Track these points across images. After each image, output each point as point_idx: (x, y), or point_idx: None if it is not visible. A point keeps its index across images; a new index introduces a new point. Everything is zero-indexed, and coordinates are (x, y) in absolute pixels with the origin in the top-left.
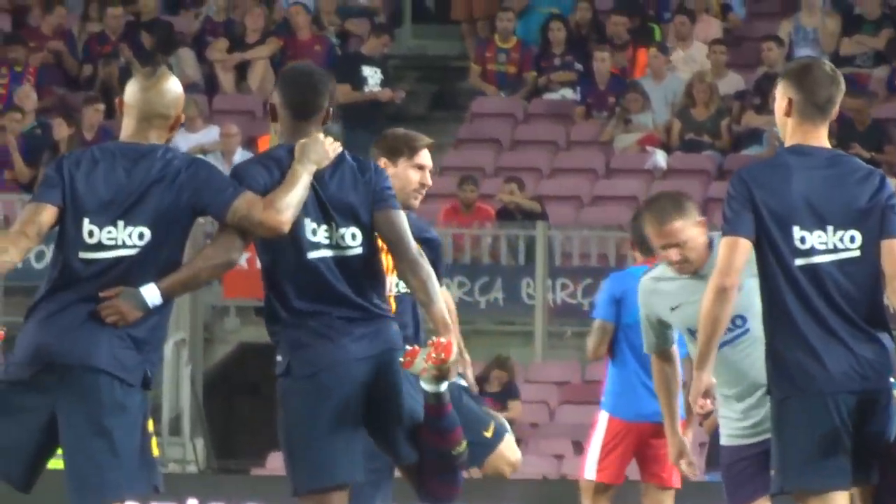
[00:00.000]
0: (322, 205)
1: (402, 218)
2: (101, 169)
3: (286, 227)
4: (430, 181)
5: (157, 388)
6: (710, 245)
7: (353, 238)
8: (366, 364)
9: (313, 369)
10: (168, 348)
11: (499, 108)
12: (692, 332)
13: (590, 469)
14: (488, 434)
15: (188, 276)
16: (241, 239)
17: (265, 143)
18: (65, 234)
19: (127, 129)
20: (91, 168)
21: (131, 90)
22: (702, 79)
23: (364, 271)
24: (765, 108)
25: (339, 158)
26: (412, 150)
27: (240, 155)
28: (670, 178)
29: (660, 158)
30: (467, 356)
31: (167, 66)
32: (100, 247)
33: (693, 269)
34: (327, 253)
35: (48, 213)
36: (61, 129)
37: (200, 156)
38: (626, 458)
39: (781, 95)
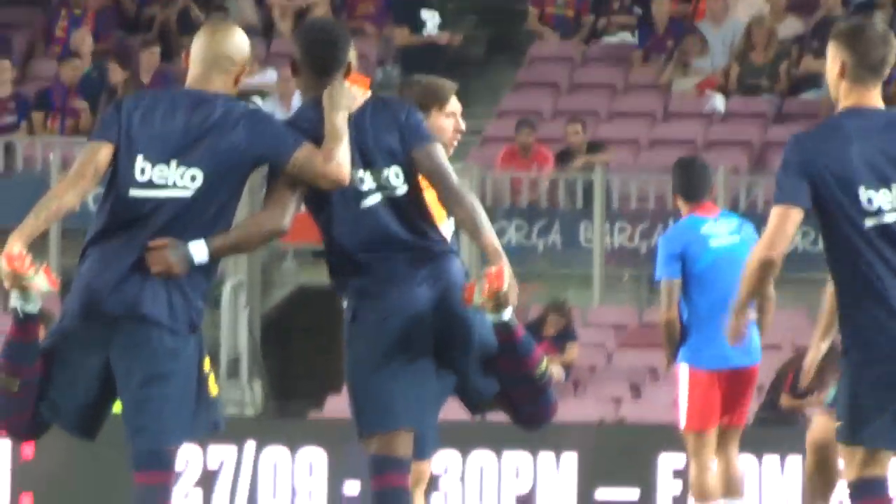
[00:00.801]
0: (361, 150)
1: (440, 151)
2: (160, 110)
3: (347, 179)
4: (462, 126)
5: (216, 332)
6: None
7: (396, 177)
8: (431, 306)
9: (379, 315)
10: (226, 291)
11: (557, 52)
12: None
13: (682, 419)
14: None
15: (238, 240)
16: (293, 204)
17: None
18: (117, 172)
19: (192, 76)
20: (150, 109)
21: (198, 38)
22: (760, 22)
23: (415, 208)
24: (823, 52)
25: (369, 101)
26: (441, 100)
27: (297, 98)
28: (728, 122)
29: (718, 102)
30: None
31: (225, 10)
32: (150, 185)
33: None
34: (377, 197)
35: (104, 152)
36: (117, 73)
37: (258, 99)
38: (714, 403)
39: (833, 58)
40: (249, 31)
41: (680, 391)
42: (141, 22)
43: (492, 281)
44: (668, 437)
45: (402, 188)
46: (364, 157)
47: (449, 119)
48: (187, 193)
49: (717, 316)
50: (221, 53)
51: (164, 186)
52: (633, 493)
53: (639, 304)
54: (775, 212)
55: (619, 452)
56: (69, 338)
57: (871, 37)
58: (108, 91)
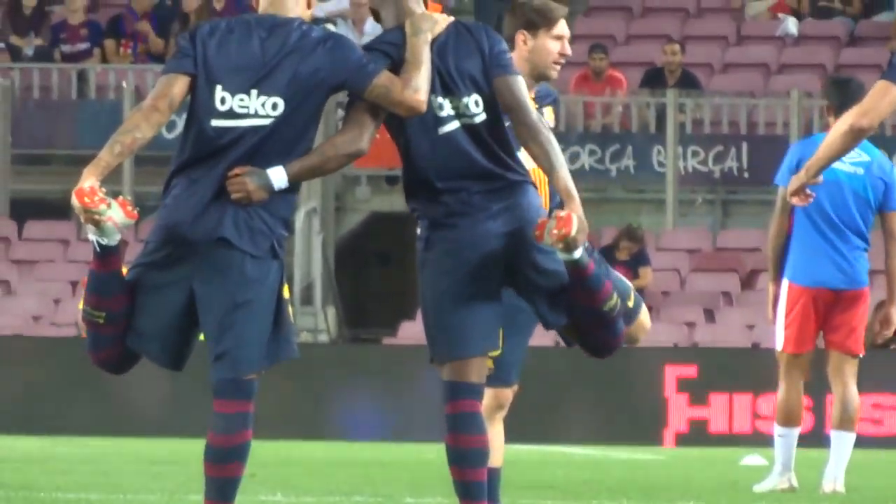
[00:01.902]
0: (442, 77)
1: (521, 83)
2: (236, 38)
3: (424, 106)
4: (569, 50)
5: (289, 258)
6: None
7: (476, 105)
8: (504, 239)
9: (452, 245)
10: (299, 217)
11: None
12: None
13: (778, 340)
14: (630, 304)
15: (317, 163)
16: (372, 127)
17: None
18: (196, 102)
19: (263, 2)
20: (225, 37)
21: None
22: None
23: (494, 137)
24: None
25: (452, 27)
26: (550, 22)
27: (370, 24)
28: (802, 44)
29: (791, 25)
30: None
31: None
32: (231, 114)
33: None
34: (455, 124)
35: (180, 84)
36: (191, 1)
37: (331, 25)
38: (810, 325)
39: None
40: None
41: (779, 308)
42: None
43: (561, 225)
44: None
45: (480, 116)
46: (444, 83)
47: (556, 42)
48: (268, 122)
49: (823, 236)
50: None
51: (246, 116)
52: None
53: (712, 227)
54: (877, 85)
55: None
56: (154, 267)
57: None
58: (181, 18)
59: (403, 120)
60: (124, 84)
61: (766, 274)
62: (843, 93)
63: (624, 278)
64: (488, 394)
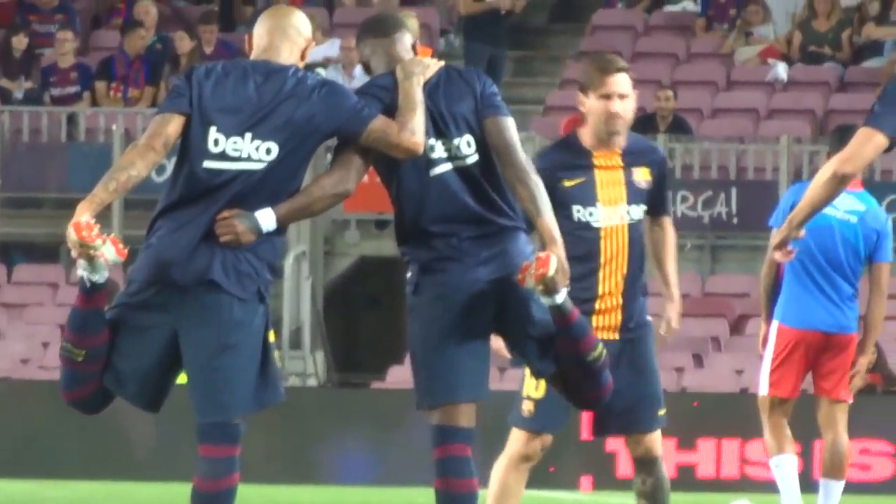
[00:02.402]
0: (434, 119)
1: (511, 124)
2: (232, 81)
3: (421, 148)
4: (617, 107)
5: (278, 302)
6: None
7: (468, 146)
8: (493, 286)
9: (442, 290)
10: (289, 261)
11: (619, 21)
12: None
13: (763, 383)
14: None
15: (304, 204)
16: (359, 168)
17: None
18: (189, 143)
19: (259, 47)
20: (221, 79)
21: (261, 20)
22: None
23: (486, 179)
24: (885, 19)
25: (443, 71)
26: (594, 83)
27: (359, 69)
28: (791, 90)
29: (781, 70)
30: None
31: None
32: (224, 157)
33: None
34: (447, 166)
35: (175, 123)
36: (183, 44)
37: (321, 70)
38: (798, 369)
39: None
40: (312, 1)
41: (766, 350)
42: None
43: (539, 265)
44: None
45: (473, 157)
46: (436, 124)
47: (603, 101)
48: (261, 166)
49: (814, 280)
50: (290, 24)
51: (238, 159)
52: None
53: (702, 272)
54: (860, 132)
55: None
56: (137, 307)
57: None
58: (172, 62)
59: (395, 162)
60: (114, 127)
61: (755, 319)
62: (843, 140)
63: None
64: (518, 438)
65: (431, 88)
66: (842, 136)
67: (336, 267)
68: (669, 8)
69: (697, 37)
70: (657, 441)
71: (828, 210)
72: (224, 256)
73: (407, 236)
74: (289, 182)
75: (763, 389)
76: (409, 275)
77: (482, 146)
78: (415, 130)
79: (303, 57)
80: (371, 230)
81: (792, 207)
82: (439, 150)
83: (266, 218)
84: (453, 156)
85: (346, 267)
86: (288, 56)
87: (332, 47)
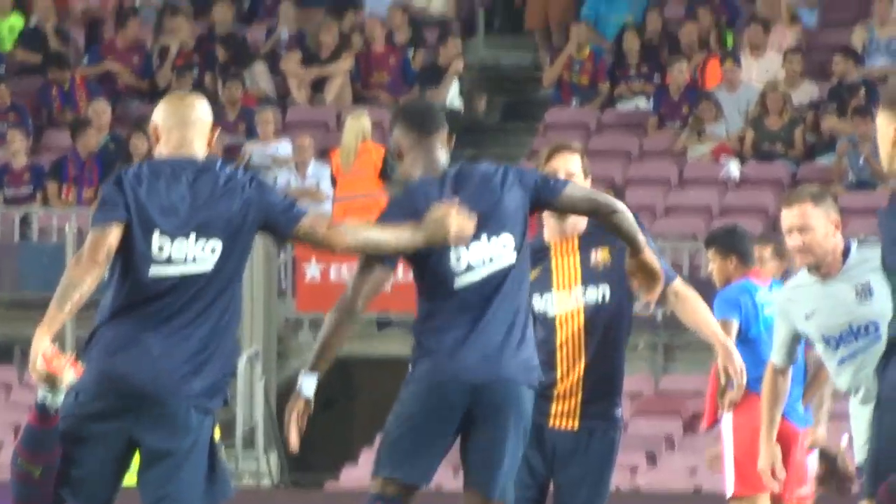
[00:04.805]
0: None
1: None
2: (164, 182)
3: (342, 251)
4: None
5: (232, 402)
6: (846, 252)
7: (503, 247)
8: (481, 390)
9: (439, 378)
10: (242, 361)
11: (572, 119)
12: (826, 340)
13: (729, 483)
14: None
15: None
16: (367, 295)
17: (337, 157)
18: (131, 250)
19: (174, 142)
20: (153, 182)
21: (164, 110)
22: (775, 88)
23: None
24: (838, 116)
25: (463, 170)
26: (545, 161)
27: (313, 167)
28: (744, 187)
29: (733, 168)
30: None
31: (240, 79)
32: (170, 261)
33: (814, 263)
34: (474, 277)
35: (115, 233)
36: (140, 144)
37: (275, 169)
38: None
39: (886, 125)
40: (265, 100)
41: (725, 452)
42: (156, 92)
43: None
44: None
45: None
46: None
47: None
48: (208, 266)
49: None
50: (197, 116)
51: (185, 262)
52: None
53: (655, 371)
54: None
55: None
56: (91, 419)
57: None
58: (126, 161)
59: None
60: (67, 227)
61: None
62: (744, 240)
63: None
64: None
65: (457, 191)
66: (742, 237)
67: (289, 367)
68: (622, 106)
69: (650, 135)
70: None
71: (767, 311)
72: (184, 367)
73: (423, 327)
74: (234, 278)
75: (732, 488)
76: (415, 353)
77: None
78: (347, 233)
79: (210, 143)
80: None
81: (727, 303)
82: (464, 260)
83: (308, 383)
84: (484, 262)
85: (299, 367)
86: (201, 148)
87: (284, 146)
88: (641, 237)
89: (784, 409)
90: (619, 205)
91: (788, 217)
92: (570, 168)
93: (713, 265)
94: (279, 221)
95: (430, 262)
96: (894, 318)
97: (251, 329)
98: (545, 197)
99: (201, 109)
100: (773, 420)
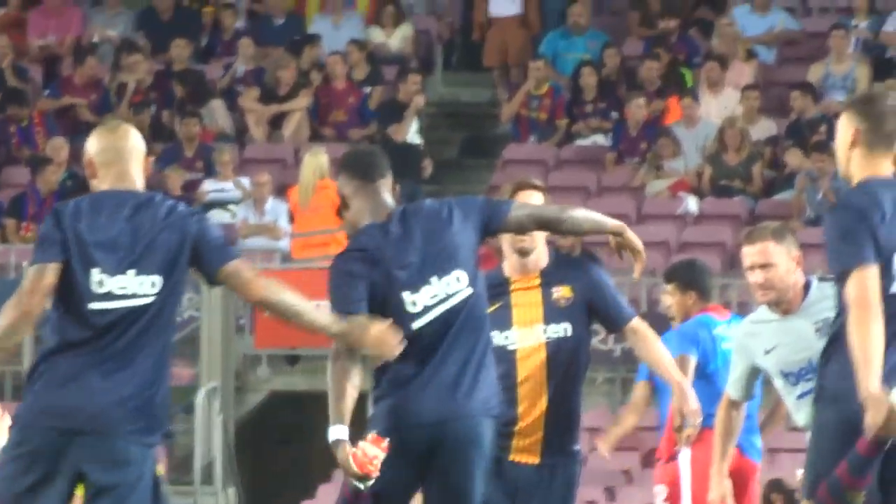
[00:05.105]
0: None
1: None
2: (104, 217)
3: (257, 302)
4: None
5: (189, 438)
6: (807, 288)
7: (457, 281)
8: (440, 429)
9: (396, 421)
10: (200, 397)
11: (530, 155)
12: (785, 375)
13: None
14: None
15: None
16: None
17: (295, 194)
18: (72, 287)
19: (112, 174)
20: (92, 217)
21: (98, 143)
22: (733, 124)
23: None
24: (797, 151)
25: (408, 210)
26: (508, 194)
27: (271, 204)
28: (702, 223)
29: (691, 204)
30: None
31: (198, 115)
32: (110, 296)
33: (776, 300)
34: (430, 318)
35: (51, 274)
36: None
37: (231, 206)
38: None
39: (846, 127)
40: (222, 137)
41: (682, 487)
42: None
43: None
44: None
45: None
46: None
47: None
48: (149, 300)
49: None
50: (132, 146)
51: (125, 297)
52: None
53: (612, 406)
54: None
55: None
56: (31, 456)
57: (884, 106)
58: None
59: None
60: (25, 264)
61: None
62: (703, 274)
63: None
64: None
65: (401, 237)
66: (700, 270)
67: (247, 402)
68: (580, 142)
69: (608, 170)
70: None
71: (725, 345)
72: (126, 403)
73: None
74: (173, 310)
75: None
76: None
77: (473, 282)
78: (268, 287)
79: (146, 171)
80: (282, 366)
81: (684, 338)
82: (420, 303)
83: (337, 433)
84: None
85: (257, 402)
86: (139, 177)
87: (242, 183)
88: (609, 220)
89: (742, 444)
90: (567, 210)
91: (750, 254)
92: (535, 202)
93: (672, 299)
94: (210, 259)
95: (385, 309)
96: (836, 316)
97: (209, 364)
98: (493, 221)
99: (135, 138)
100: (725, 453)
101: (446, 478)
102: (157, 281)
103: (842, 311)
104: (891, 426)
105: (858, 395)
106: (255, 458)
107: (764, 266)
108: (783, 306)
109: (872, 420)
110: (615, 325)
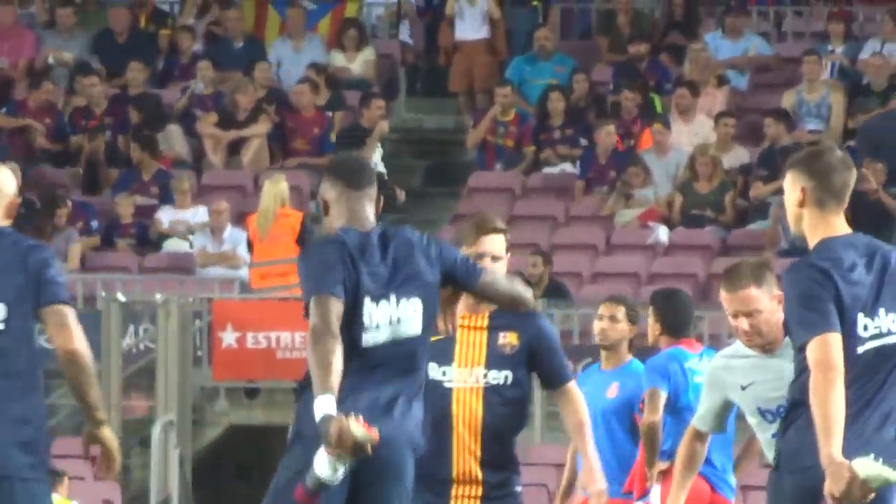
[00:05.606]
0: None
1: None
2: None
3: (60, 349)
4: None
5: (145, 472)
6: (786, 326)
7: (413, 311)
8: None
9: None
10: (156, 430)
11: (496, 183)
12: (762, 413)
13: None
14: None
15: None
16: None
17: (253, 222)
18: None
19: None
20: None
21: None
22: (704, 152)
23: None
24: (770, 181)
25: (388, 230)
26: (471, 238)
27: (229, 232)
28: (672, 253)
29: (661, 234)
30: None
31: (154, 141)
32: None
33: (762, 344)
34: (379, 337)
35: None
36: (62, 213)
37: (189, 235)
38: None
39: (792, 186)
40: (180, 163)
41: None
42: (68, 153)
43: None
44: None
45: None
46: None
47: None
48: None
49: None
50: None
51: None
52: None
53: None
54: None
55: None
56: None
57: (830, 161)
58: (41, 223)
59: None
60: None
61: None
62: (671, 307)
63: None
64: None
65: (377, 253)
66: (668, 303)
67: (205, 436)
68: (548, 170)
69: (576, 199)
70: None
71: (697, 379)
72: (10, 444)
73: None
74: (28, 340)
75: None
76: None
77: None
78: (74, 339)
79: (9, 215)
80: (241, 399)
81: (656, 372)
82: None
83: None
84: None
85: (215, 436)
86: (1, 220)
87: (200, 211)
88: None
89: (715, 481)
90: (531, 302)
91: (733, 303)
92: (497, 251)
93: (649, 321)
94: (39, 294)
95: (345, 318)
96: (794, 381)
97: (166, 397)
98: (462, 280)
99: (2, 180)
100: (684, 486)
101: (366, 499)
102: (0, 310)
103: (801, 373)
104: (851, 494)
105: (819, 462)
106: (213, 494)
107: (749, 314)
108: (767, 347)
109: (834, 488)
110: (553, 382)
